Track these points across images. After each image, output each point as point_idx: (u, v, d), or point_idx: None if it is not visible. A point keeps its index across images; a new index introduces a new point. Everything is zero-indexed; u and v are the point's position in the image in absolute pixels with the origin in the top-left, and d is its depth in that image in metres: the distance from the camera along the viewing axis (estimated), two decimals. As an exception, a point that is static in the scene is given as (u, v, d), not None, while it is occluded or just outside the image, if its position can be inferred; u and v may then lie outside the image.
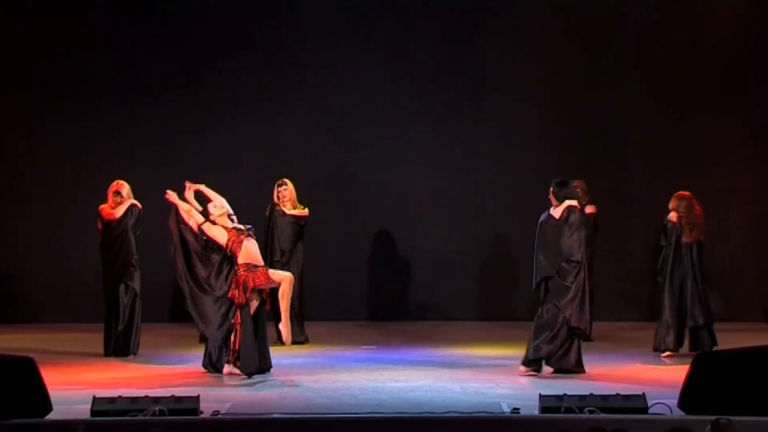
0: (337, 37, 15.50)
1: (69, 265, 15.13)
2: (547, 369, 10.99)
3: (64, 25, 15.50)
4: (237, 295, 10.97)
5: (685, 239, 12.07)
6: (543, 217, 11.14)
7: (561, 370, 10.94)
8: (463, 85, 15.49)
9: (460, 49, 15.51)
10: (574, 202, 11.15)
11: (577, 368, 10.97)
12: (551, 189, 11.20)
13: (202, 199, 11.59)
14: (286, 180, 13.44)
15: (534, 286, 11.13)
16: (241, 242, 11.11)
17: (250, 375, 10.86)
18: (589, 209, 13.44)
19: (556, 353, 10.95)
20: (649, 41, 15.47)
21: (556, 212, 11.08)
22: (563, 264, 10.97)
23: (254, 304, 11.07)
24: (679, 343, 12.05)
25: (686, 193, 12.23)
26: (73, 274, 14.98)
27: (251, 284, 10.98)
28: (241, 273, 11.03)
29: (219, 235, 11.16)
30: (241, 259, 11.08)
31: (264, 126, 15.53)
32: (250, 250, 11.14)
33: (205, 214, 11.34)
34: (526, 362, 11.00)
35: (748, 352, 9.25)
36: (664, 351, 12.03)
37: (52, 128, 15.44)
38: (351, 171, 15.54)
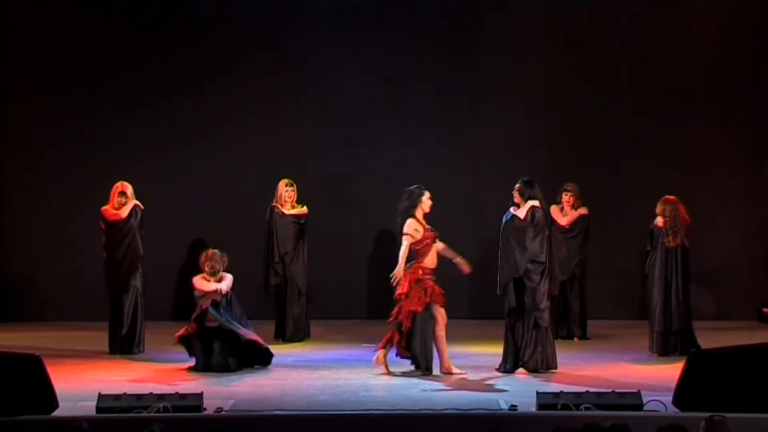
0: (339, 44, 15.56)
1: (76, 264, 15.20)
2: (521, 371, 11.03)
3: (75, 32, 15.52)
4: (417, 300, 10.89)
5: (669, 243, 12.09)
6: (506, 218, 11.10)
7: (535, 371, 10.97)
8: (461, 90, 15.55)
9: (458, 56, 15.56)
10: (537, 203, 11.09)
11: (552, 366, 11.03)
12: (517, 187, 11.15)
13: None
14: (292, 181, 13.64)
15: (500, 290, 11.07)
16: (431, 245, 11.05)
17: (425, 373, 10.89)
18: (581, 211, 13.58)
19: (533, 356, 11.03)
20: (641, 47, 15.49)
21: (521, 213, 11.06)
22: (529, 265, 10.98)
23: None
24: (666, 346, 12.06)
25: (672, 197, 12.24)
26: (80, 273, 15.04)
27: (428, 299, 10.93)
28: (427, 278, 10.96)
29: (415, 230, 11.02)
30: (427, 262, 11.02)
31: (268, 130, 15.57)
32: (433, 257, 11.07)
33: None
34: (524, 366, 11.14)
35: (742, 350, 9.35)
36: (657, 354, 12.04)
37: (62, 132, 15.49)
38: (352, 173, 15.64)
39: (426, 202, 11.12)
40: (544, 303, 11.01)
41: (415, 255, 11.04)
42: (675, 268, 12.13)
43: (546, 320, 11.01)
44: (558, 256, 13.45)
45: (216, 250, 11.71)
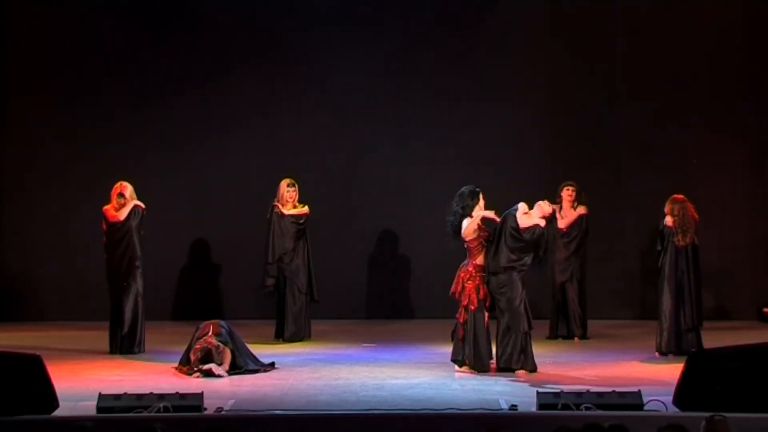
0: (339, 43, 15.59)
1: (77, 264, 15.21)
2: (521, 371, 11.02)
3: (76, 30, 15.54)
4: (469, 300, 10.99)
5: (679, 242, 12.07)
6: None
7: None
8: (460, 89, 15.57)
9: (458, 56, 15.60)
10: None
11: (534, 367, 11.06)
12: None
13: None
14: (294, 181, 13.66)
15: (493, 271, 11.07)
16: (485, 244, 11.07)
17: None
18: (581, 211, 13.57)
19: (513, 355, 11.02)
20: (641, 47, 15.54)
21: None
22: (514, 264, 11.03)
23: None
24: (680, 345, 12.01)
25: (680, 196, 12.22)
26: (81, 273, 15.06)
27: (481, 297, 10.99)
28: (477, 276, 11.02)
29: (470, 228, 11.04)
30: (481, 261, 11.05)
31: (268, 129, 15.62)
32: (484, 257, 11.09)
33: None
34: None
35: (742, 350, 9.36)
36: (666, 353, 12.03)
37: (62, 131, 15.52)
38: (351, 172, 15.65)
39: (481, 204, 11.22)
40: (522, 307, 10.97)
41: (469, 253, 11.12)
42: (686, 267, 12.11)
43: (525, 326, 10.96)
44: (557, 257, 13.44)
45: (212, 343, 10.99)
